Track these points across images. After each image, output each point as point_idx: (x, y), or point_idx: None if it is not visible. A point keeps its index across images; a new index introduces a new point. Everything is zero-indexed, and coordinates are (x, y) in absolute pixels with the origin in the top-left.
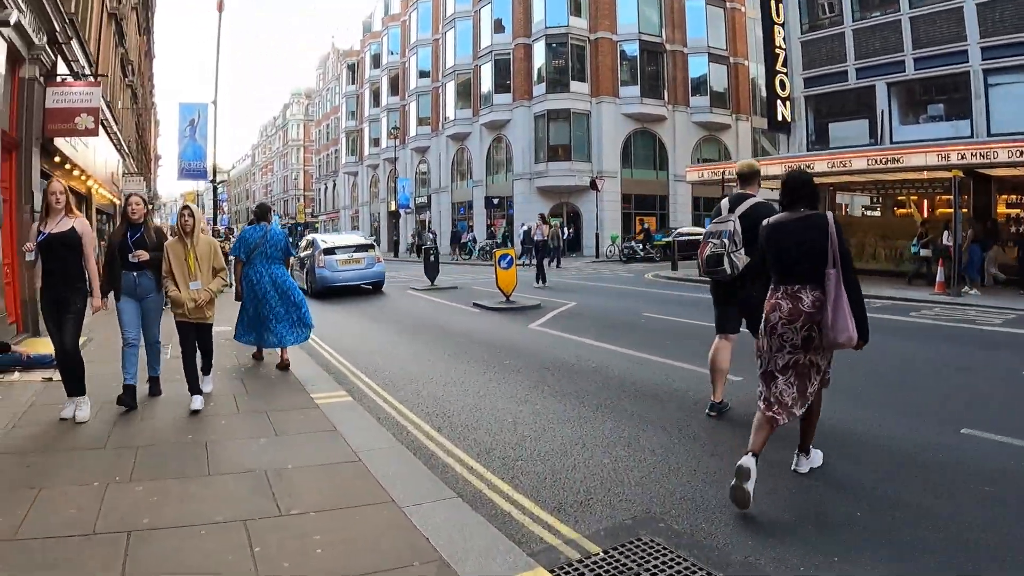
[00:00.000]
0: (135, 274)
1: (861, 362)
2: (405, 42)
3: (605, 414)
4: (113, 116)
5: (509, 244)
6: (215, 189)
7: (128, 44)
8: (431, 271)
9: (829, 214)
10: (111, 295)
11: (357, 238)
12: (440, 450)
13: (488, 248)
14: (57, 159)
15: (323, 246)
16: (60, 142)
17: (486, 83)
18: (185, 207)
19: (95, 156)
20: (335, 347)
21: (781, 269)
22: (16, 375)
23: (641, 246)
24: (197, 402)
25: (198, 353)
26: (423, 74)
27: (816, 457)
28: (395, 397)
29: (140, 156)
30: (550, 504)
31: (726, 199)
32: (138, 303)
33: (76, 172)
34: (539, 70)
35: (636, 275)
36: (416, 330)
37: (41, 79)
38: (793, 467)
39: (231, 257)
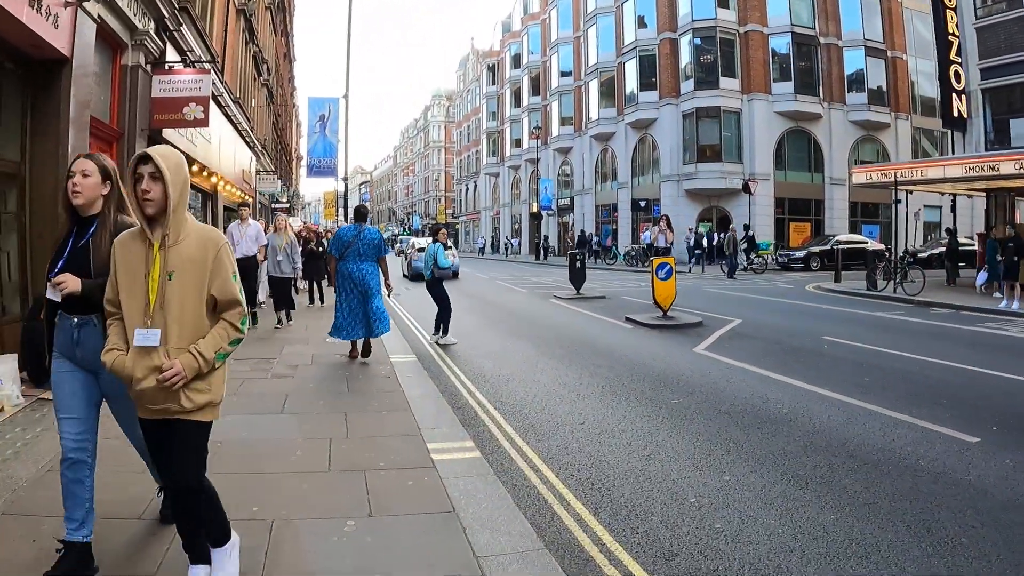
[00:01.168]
0: (72, 320)
1: None
2: (545, 41)
3: (821, 495)
4: (244, 113)
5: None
6: (345, 186)
7: (261, 42)
8: (577, 278)
9: None
10: None
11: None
12: (601, 553)
13: (635, 253)
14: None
15: (416, 247)
16: (172, 134)
17: (631, 81)
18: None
19: (219, 151)
20: (465, 368)
21: None
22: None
23: (745, 256)
24: None
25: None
26: (565, 73)
27: None
28: (537, 452)
29: (280, 156)
30: None
31: None
32: (87, 373)
33: (195, 167)
34: (686, 66)
35: (796, 286)
36: (561, 348)
37: (147, 67)
38: None
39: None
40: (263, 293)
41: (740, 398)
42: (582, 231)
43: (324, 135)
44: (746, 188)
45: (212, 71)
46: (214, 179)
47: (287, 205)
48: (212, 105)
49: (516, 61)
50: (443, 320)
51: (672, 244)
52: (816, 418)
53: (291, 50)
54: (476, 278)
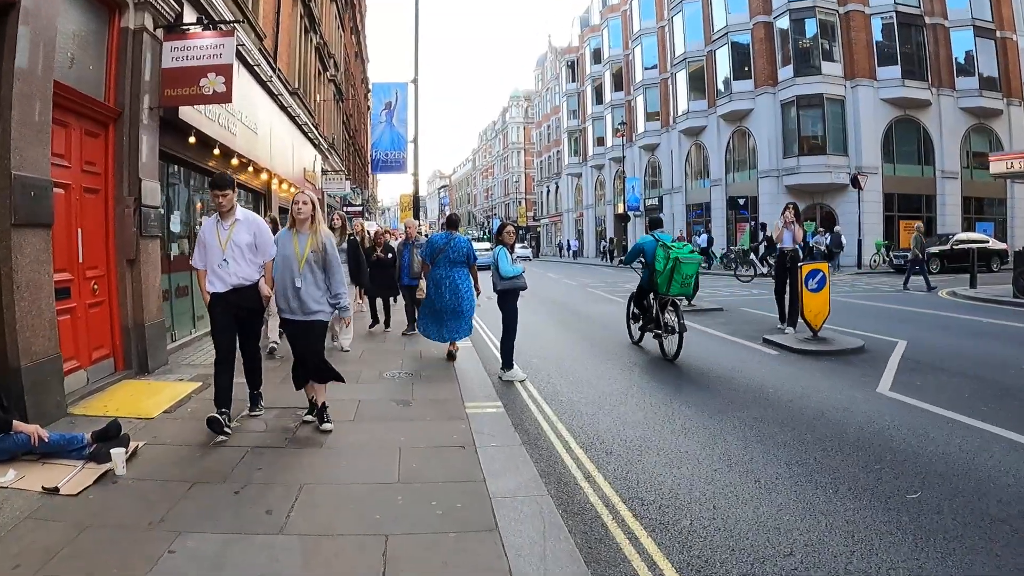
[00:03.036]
0: None
1: None
2: (627, 33)
3: None
4: (307, 107)
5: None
6: (416, 182)
7: (325, 34)
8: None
9: None
10: None
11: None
12: None
13: (734, 256)
14: (192, 139)
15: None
16: (197, 116)
17: (722, 69)
18: None
19: (271, 145)
20: (573, 424)
21: None
22: (10, 475)
23: (762, 260)
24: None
25: None
26: (649, 66)
27: None
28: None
29: (352, 158)
30: None
31: None
32: None
33: (234, 161)
34: (784, 51)
35: (928, 293)
36: (696, 387)
37: (156, 32)
38: None
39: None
40: (274, 329)
41: (998, 484)
42: (763, 225)
43: (391, 125)
44: (855, 183)
45: (240, 33)
46: (264, 176)
47: (360, 208)
48: (262, 94)
49: (596, 56)
50: (504, 348)
51: (803, 244)
52: None
53: (363, 50)
54: (561, 283)
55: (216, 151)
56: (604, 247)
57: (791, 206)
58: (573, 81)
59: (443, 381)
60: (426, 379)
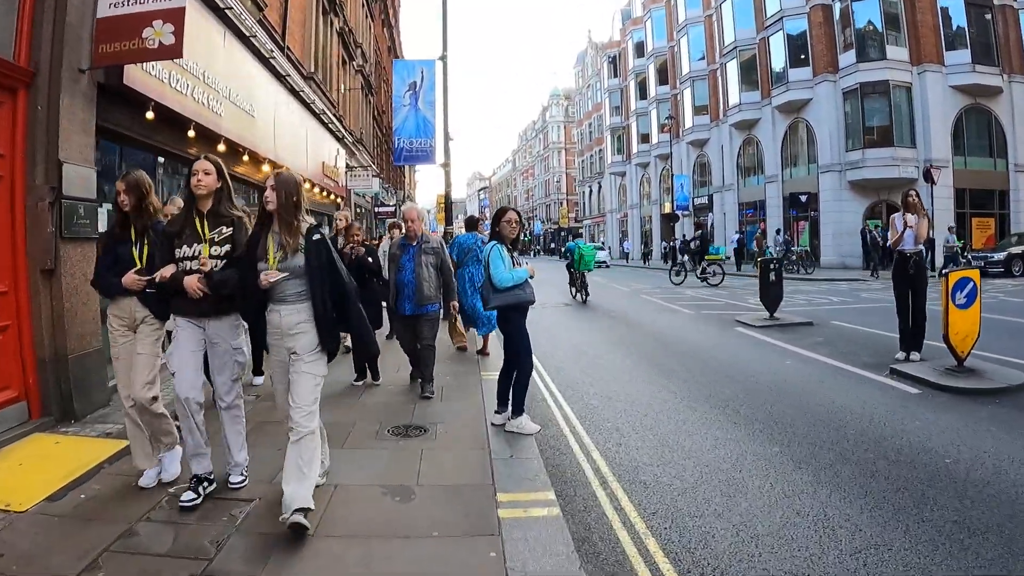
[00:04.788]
0: None
1: None
2: (672, 24)
3: None
4: (327, 96)
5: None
6: (447, 174)
7: (350, 20)
8: (770, 295)
9: None
10: None
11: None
12: None
13: (795, 258)
14: (150, 115)
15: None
16: (156, 87)
17: (777, 57)
18: None
19: (274, 132)
20: (634, 481)
21: None
22: None
23: (693, 260)
24: None
25: None
26: (696, 57)
27: None
28: None
29: (385, 157)
30: None
31: None
32: None
33: (221, 147)
34: (844, 35)
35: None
36: (814, 448)
37: None
38: None
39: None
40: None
41: None
42: (699, 223)
43: (416, 108)
44: (928, 177)
45: None
46: (267, 168)
47: (392, 209)
48: (262, 72)
49: (639, 50)
50: (514, 390)
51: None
52: None
53: (397, 46)
54: (614, 290)
55: (191, 133)
56: (674, 245)
57: (914, 193)
58: (615, 77)
59: (464, 446)
60: (441, 438)
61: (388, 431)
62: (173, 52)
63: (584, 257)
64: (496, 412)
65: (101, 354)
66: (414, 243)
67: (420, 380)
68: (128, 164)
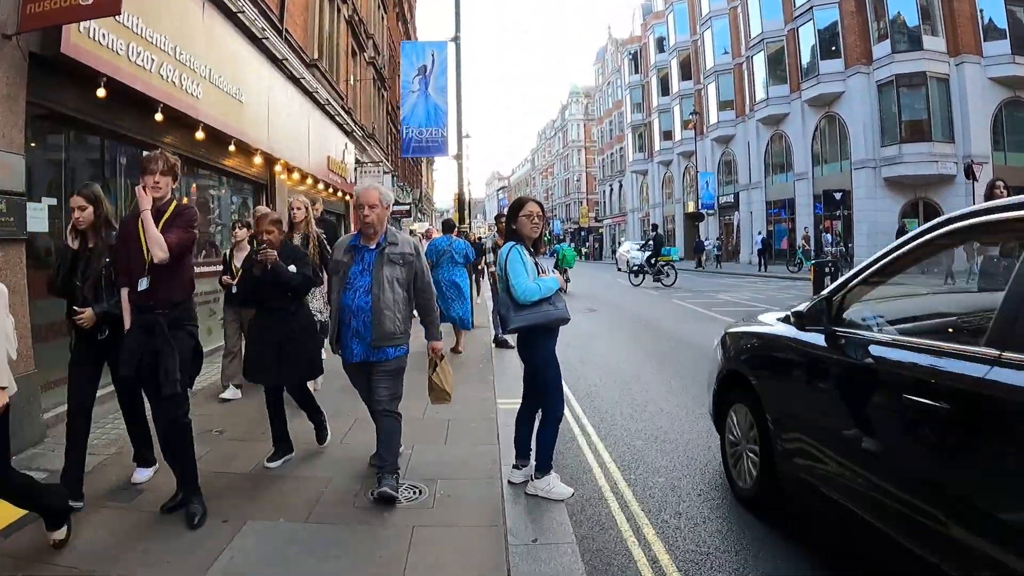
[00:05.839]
0: None
1: None
2: (695, 17)
3: None
4: (333, 86)
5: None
6: (460, 168)
7: (360, 9)
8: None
9: None
10: None
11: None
12: None
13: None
14: (102, 92)
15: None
16: (108, 59)
17: (806, 49)
18: None
19: (268, 120)
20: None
21: None
22: None
23: (648, 263)
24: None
25: None
26: (721, 51)
27: None
28: None
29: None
30: None
31: None
32: None
33: (199, 134)
34: (879, 24)
35: None
36: None
37: None
38: None
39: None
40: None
41: None
42: (654, 225)
43: (426, 94)
44: (969, 173)
45: None
46: (259, 160)
47: (407, 208)
48: (253, 52)
49: (660, 45)
50: (539, 439)
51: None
52: None
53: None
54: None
55: (159, 116)
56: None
57: (1001, 183)
58: (636, 73)
59: (471, 519)
60: (440, 507)
61: (371, 495)
62: (110, 8)
63: (566, 257)
64: (515, 467)
65: (31, 381)
66: (372, 245)
67: (377, 467)
68: (74, 151)
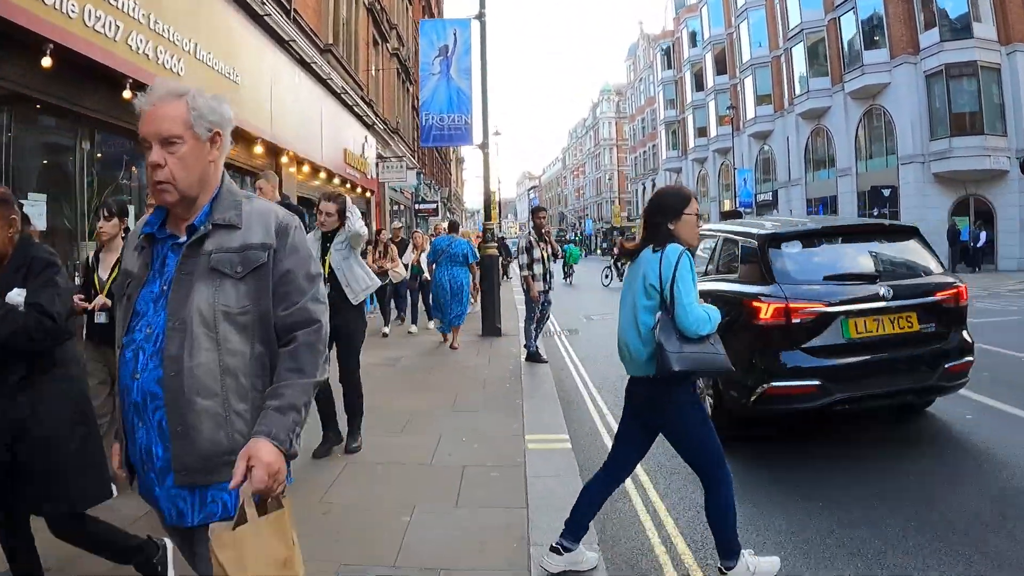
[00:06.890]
0: None
1: None
2: (729, 9)
3: None
4: (351, 74)
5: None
6: (485, 158)
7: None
8: None
9: None
10: None
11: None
12: None
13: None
14: (48, 61)
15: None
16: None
17: (849, 39)
18: None
19: (271, 107)
20: None
21: None
22: None
23: (615, 264)
24: None
25: None
26: (757, 43)
27: None
28: None
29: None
30: None
31: None
32: None
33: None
34: (926, 11)
35: None
36: None
37: None
38: None
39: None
40: None
41: None
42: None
43: (448, 77)
44: None
45: None
46: (259, 149)
47: (433, 206)
48: (254, 31)
49: (694, 39)
50: (718, 527)
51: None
52: None
53: None
54: None
55: (127, 94)
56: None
57: None
58: (669, 68)
59: None
60: None
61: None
62: None
63: (572, 254)
64: (554, 548)
65: None
66: (181, 232)
67: None
68: (18, 131)
